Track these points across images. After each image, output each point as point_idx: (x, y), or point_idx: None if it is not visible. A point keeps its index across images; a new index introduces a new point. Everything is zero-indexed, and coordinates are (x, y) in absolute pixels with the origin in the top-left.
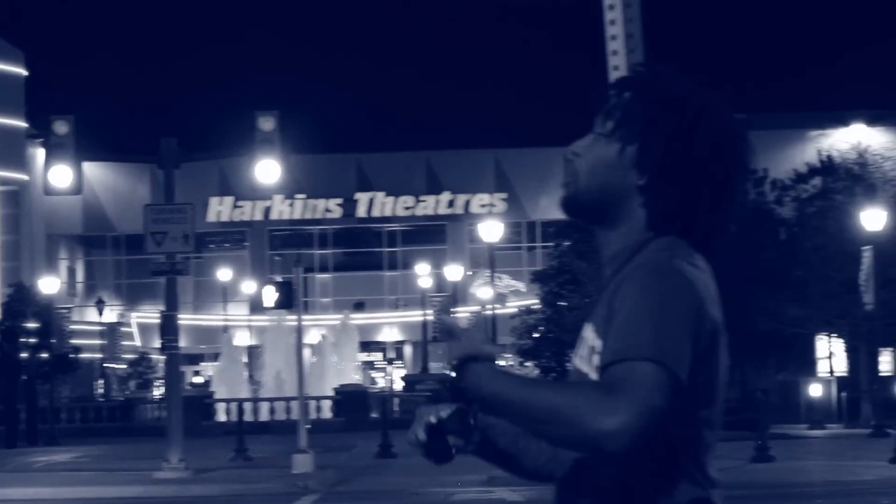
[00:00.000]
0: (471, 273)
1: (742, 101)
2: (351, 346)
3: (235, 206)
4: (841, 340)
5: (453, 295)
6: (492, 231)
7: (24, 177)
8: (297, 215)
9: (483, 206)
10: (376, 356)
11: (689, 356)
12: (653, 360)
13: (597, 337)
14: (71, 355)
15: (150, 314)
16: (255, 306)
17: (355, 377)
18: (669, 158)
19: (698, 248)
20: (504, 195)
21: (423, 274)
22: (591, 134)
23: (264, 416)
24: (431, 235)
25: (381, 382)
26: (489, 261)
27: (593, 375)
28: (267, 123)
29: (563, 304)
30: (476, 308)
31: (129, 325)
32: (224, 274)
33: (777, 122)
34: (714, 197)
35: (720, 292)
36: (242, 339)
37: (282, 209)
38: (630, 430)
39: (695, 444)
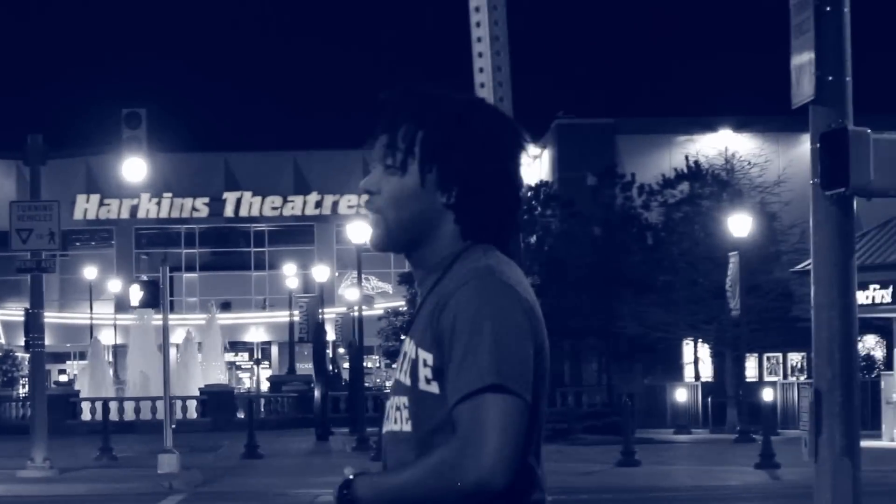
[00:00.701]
0: (338, 274)
1: (610, 105)
2: (217, 346)
3: (102, 204)
4: (707, 346)
5: (320, 296)
6: (359, 232)
7: None
8: (163, 214)
9: (351, 206)
10: (242, 356)
11: (531, 370)
12: (497, 388)
13: (417, 349)
14: None
15: (14, 311)
16: (121, 305)
17: (221, 377)
18: (472, 172)
19: (502, 248)
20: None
21: (290, 274)
22: (378, 167)
23: (130, 415)
24: (299, 236)
25: (248, 383)
26: (356, 262)
27: (421, 386)
28: (134, 121)
29: None
30: (343, 309)
31: None
32: (90, 272)
33: (645, 127)
34: (513, 197)
35: (587, 297)
36: (108, 337)
37: (149, 208)
38: (502, 464)
39: (537, 446)
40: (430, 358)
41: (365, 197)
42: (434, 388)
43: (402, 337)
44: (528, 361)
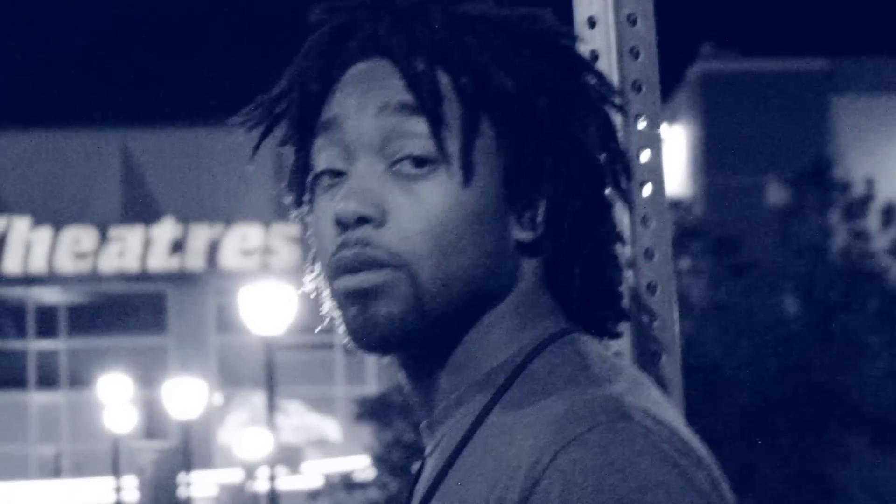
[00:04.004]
0: (220, 399)
1: (817, 33)
2: None
3: None
4: None
5: (184, 447)
6: (270, 306)
7: None
8: None
9: (249, 251)
10: None
11: None
12: None
13: None
14: None
15: None
16: None
17: None
18: (576, 157)
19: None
20: (295, 228)
21: (113, 399)
22: (372, 162)
23: None
24: (134, 315)
25: None
26: (265, 372)
27: None
28: None
29: None
30: (234, 476)
31: None
32: None
33: (893, 78)
34: (613, 224)
35: (768, 446)
36: None
37: None
38: None
39: None
40: None
41: (337, 237)
42: None
43: None
44: None
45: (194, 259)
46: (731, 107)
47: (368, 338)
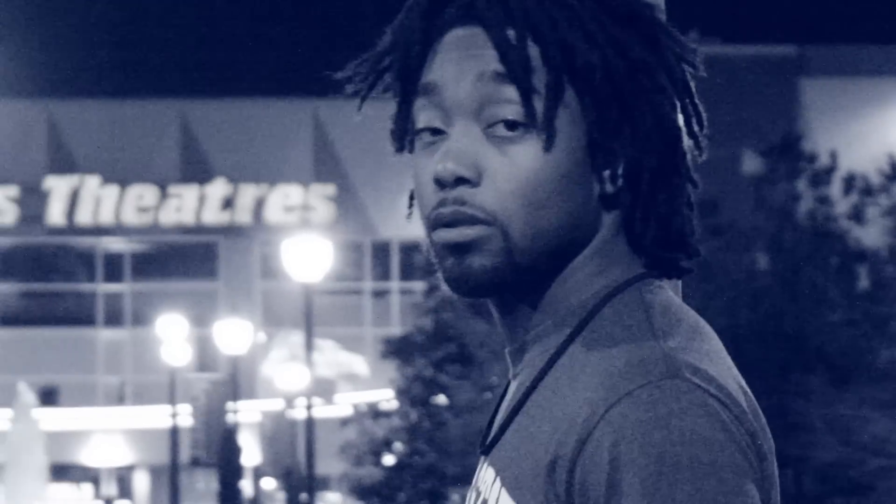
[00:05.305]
0: (264, 337)
1: (790, 22)
2: (32, 471)
3: None
4: None
5: (232, 379)
6: (308, 257)
7: None
8: None
9: (290, 207)
10: (83, 491)
11: None
12: None
13: (507, 497)
14: None
15: None
16: None
17: None
18: (656, 127)
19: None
20: (332, 188)
21: (171, 336)
22: (469, 127)
23: None
24: (189, 262)
25: None
26: (303, 315)
27: None
28: None
29: (441, 402)
30: (275, 405)
31: None
32: None
33: (855, 63)
34: (688, 171)
35: None
36: None
37: None
38: None
39: None
40: None
41: (436, 194)
42: None
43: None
44: None
45: (242, 214)
46: (714, 87)
47: (463, 286)
